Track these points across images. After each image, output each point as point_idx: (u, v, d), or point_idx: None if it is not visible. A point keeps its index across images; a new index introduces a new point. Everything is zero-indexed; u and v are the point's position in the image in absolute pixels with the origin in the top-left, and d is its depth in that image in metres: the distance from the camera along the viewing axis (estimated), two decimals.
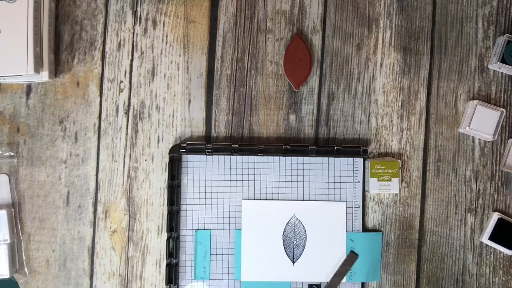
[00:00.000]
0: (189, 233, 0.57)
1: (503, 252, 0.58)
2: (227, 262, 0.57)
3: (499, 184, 0.58)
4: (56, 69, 0.58)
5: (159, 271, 0.57)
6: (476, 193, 0.58)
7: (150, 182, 0.58)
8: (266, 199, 0.57)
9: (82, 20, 0.58)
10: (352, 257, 0.56)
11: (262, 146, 0.56)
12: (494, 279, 0.58)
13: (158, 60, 0.58)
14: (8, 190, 0.57)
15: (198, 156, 0.57)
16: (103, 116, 0.58)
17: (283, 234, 0.57)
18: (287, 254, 0.57)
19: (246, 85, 0.58)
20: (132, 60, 0.58)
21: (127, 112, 0.58)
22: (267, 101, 0.58)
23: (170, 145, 0.58)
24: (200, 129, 0.58)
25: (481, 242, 0.58)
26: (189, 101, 0.58)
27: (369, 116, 0.59)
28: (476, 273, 0.58)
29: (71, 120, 0.58)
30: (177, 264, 0.57)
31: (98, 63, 0.58)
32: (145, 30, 0.58)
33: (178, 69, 0.58)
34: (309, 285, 0.57)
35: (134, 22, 0.58)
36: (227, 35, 0.58)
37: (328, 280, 0.56)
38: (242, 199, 0.57)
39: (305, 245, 0.57)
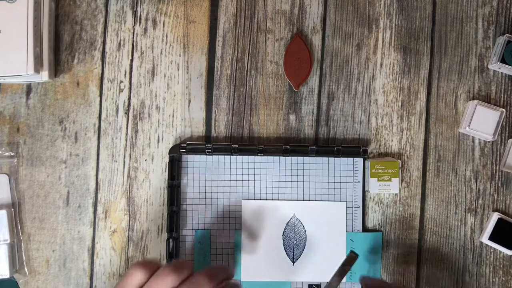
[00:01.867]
0: (189, 233, 0.57)
1: (503, 252, 0.58)
2: (227, 262, 0.57)
3: (499, 184, 0.58)
4: (56, 69, 0.58)
5: None
6: (476, 193, 0.58)
7: (150, 182, 0.58)
8: (266, 199, 0.57)
9: (82, 20, 0.58)
10: (352, 257, 0.56)
11: (262, 146, 0.56)
12: (494, 279, 0.58)
13: (158, 60, 0.58)
14: (8, 190, 0.57)
15: (198, 156, 0.57)
16: (103, 116, 0.58)
17: (283, 234, 0.57)
18: (287, 254, 0.57)
19: (246, 85, 0.58)
20: (132, 60, 0.58)
21: (127, 112, 0.58)
22: (267, 101, 0.58)
23: (170, 145, 0.58)
24: (200, 129, 0.58)
25: (481, 242, 0.58)
26: (189, 101, 0.58)
27: (369, 116, 0.59)
28: (476, 273, 0.58)
29: (71, 120, 0.58)
30: None
31: (98, 63, 0.58)
32: (145, 30, 0.58)
33: (178, 69, 0.58)
34: (309, 285, 0.57)
35: (134, 22, 0.58)
36: (227, 35, 0.58)
37: (328, 280, 0.56)
38: (242, 199, 0.57)
39: (305, 245, 0.57)
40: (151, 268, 0.41)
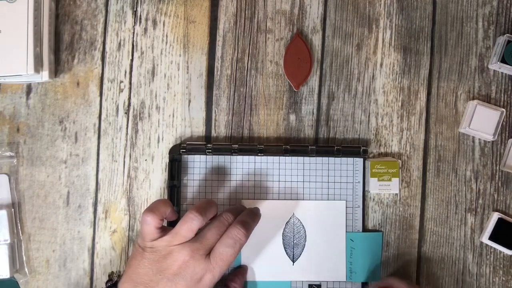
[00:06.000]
0: None
1: (503, 252, 0.58)
2: None
3: (499, 184, 0.58)
4: (56, 69, 0.58)
5: None
6: (476, 193, 0.58)
7: (150, 182, 0.58)
8: (266, 199, 0.57)
9: (82, 20, 0.58)
10: None
11: (262, 146, 0.56)
12: (494, 279, 0.58)
13: (158, 60, 0.58)
14: (8, 190, 0.57)
15: (198, 156, 0.57)
16: (103, 116, 0.58)
17: (283, 233, 0.57)
18: (287, 253, 0.57)
19: (246, 85, 0.58)
20: (132, 60, 0.58)
21: (127, 112, 0.58)
22: (267, 101, 0.58)
23: (170, 145, 0.58)
24: (200, 129, 0.58)
25: (481, 242, 0.58)
26: (189, 101, 0.58)
27: (369, 116, 0.59)
28: (476, 273, 0.58)
29: (71, 120, 0.58)
30: None
31: (98, 63, 0.58)
32: (145, 30, 0.58)
33: (178, 69, 0.58)
34: (309, 285, 0.57)
35: (134, 22, 0.58)
36: (227, 35, 0.58)
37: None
38: (242, 199, 0.57)
39: (305, 245, 0.57)
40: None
